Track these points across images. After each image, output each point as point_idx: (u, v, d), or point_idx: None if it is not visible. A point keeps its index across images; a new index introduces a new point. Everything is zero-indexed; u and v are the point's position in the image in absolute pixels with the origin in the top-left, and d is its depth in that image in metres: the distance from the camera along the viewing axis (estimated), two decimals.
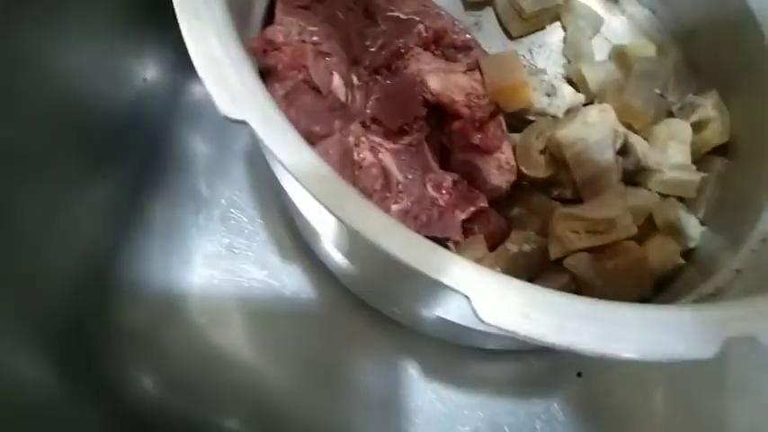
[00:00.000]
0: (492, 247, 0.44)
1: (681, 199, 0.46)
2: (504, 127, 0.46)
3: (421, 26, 0.46)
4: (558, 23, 0.54)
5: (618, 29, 0.54)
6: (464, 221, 0.44)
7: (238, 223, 0.49)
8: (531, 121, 0.48)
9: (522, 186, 0.46)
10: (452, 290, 0.23)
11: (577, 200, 0.45)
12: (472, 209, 0.44)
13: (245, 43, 0.37)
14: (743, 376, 0.46)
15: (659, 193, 0.46)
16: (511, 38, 0.54)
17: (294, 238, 0.49)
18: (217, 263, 0.48)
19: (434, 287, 0.23)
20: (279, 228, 0.49)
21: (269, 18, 0.41)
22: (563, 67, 0.53)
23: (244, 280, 0.48)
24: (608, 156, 0.44)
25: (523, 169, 0.45)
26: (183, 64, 0.50)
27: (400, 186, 0.42)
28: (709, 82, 0.49)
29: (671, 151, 0.46)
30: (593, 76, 0.50)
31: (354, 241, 0.24)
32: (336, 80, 0.39)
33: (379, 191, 0.41)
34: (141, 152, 0.49)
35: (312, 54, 0.38)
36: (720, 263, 0.41)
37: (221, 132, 0.51)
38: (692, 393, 0.47)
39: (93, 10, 0.43)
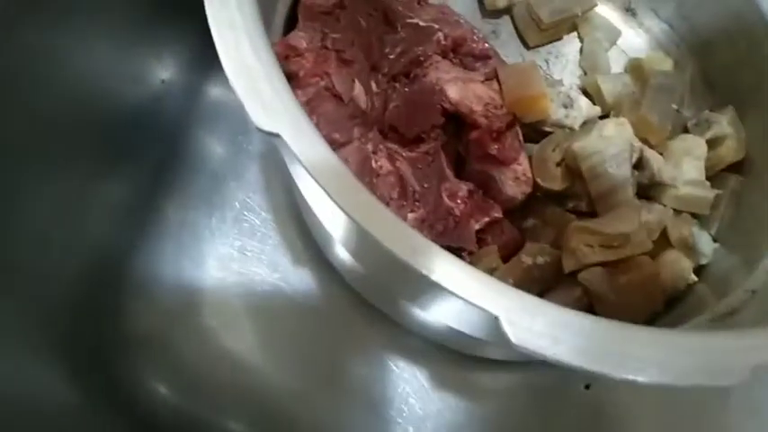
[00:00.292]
0: (505, 258, 0.44)
1: (694, 215, 0.46)
2: (521, 138, 0.46)
3: (440, 34, 0.46)
4: (574, 34, 0.54)
5: (635, 41, 0.54)
6: (478, 231, 0.44)
7: (251, 226, 0.49)
8: (547, 133, 0.48)
9: (537, 197, 0.46)
10: (482, 309, 0.23)
11: (592, 213, 0.45)
12: (487, 219, 0.44)
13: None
14: (748, 393, 0.46)
15: (673, 209, 0.46)
16: (528, 47, 0.54)
17: (306, 241, 0.49)
18: (229, 265, 0.48)
19: (463, 306, 0.23)
20: (291, 231, 0.49)
21: (290, 23, 0.41)
22: (579, 79, 0.53)
23: (255, 283, 0.48)
24: (624, 170, 0.44)
25: (539, 181, 0.45)
26: (200, 65, 0.50)
27: (416, 195, 0.42)
28: (725, 98, 0.49)
29: (685, 167, 0.46)
30: (609, 89, 0.50)
31: (384, 260, 0.24)
32: (358, 88, 0.39)
33: (396, 199, 0.41)
34: (157, 153, 0.49)
35: (335, 61, 0.38)
36: (734, 282, 0.41)
37: (236, 134, 0.51)
38: (698, 409, 0.47)
39: (112, 12, 0.42)
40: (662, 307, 0.43)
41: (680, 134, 0.48)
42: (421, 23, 0.46)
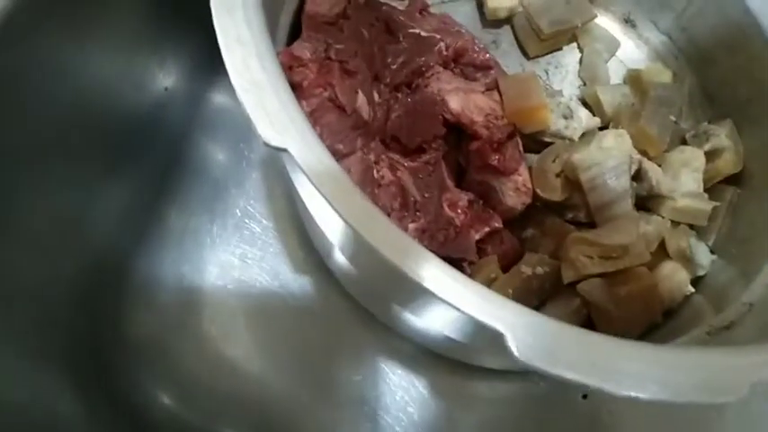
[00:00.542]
0: (505, 268, 0.45)
1: (692, 227, 0.47)
2: (522, 148, 0.46)
3: (441, 44, 0.47)
4: (574, 45, 0.55)
5: (634, 53, 0.55)
6: (478, 242, 0.44)
7: (252, 233, 0.49)
8: (546, 143, 0.49)
9: (536, 208, 0.47)
10: (488, 326, 0.23)
11: (591, 223, 0.46)
12: (487, 229, 0.44)
13: None
14: (746, 405, 0.46)
15: (671, 221, 0.46)
16: (528, 57, 0.54)
17: (307, 250, 0.49)
18: (229, 272, 0.48)
19: (465, 319, 0.23)
20: (292, 239, 0.49)
21: (294, 32, 0.41)
22: (578, 89, 0.53)
23: (256, 290, 0.48)
24: (623, 182, 0.45)
25: (539, 192, 0.45)
26: (202, 73, 0.50)
27: (417, 205, 0.42)
28: (723, 110, 0.50)
29: (684, 179, 0.47)
30: (608, 100, 0.50)
31: (387, 273, 0.24)
32: (361, 99, 0.39)
33: (398, 210, 0.41)
34: (159, 159, 0.49)
35: (338, 72, 0.38)
36: (731, 295, 0.41)
37: (238, 141, 0.51)
38: (695, 421, 0.47)
39: (116, 20, 0.43)
40: (660, 318, 0.43)
41: (678, 146, 0.48)
42: (422, 34, 0.47)
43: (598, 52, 0.53)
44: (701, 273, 0.45)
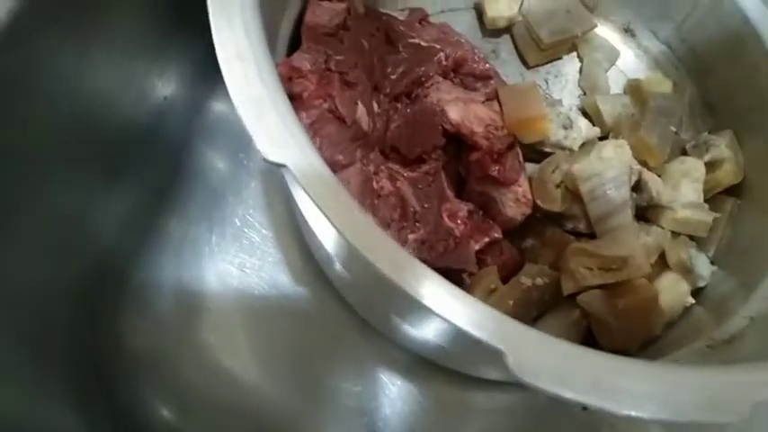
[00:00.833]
0: (504, 279, 0.44)
1: (692, 238, 0.47)
2: (522, 159, 0.46)
3: (441, 54, 0.47)
4: (574, 54, 0.55)
5: (634, 62, 0.55)
6: (478, 252, 0.44)
7: (251, 243, 0.49)
8: (546, 153, 0.49)
9: (536, 218, 0.47)
10: (487, 344, 0.23)
11: (591, 234, 0.46)
12: (486, 239, 0.44)
13: None
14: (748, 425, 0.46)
15: (671, 232, 0.46)
16: (528, 66, 0.54)
17: (306, 259, 0.49)
18: (228, 282, 0.48)
19: (463, 335, 0.23)
20: (291, 249, 0.49)
21: (294, 42, 0.41)
22: (578, 99, 0.53)
23: (255, 299, 0.48)
24: (622, 193, 0.45)
25: (539, 202, 0.45)
26: (202, 81, 0.50)
27: (417, 216, 0.42)
28: (723, 120, 0.50)
29: (684, 189, 0.47)
30: (608, 110, 0.50)
31: (388, 290, 0.24)
32: (360, 110, 0.39)
33: (397, 220, 0.41)
34: (158, 168, 0.49)
35: (338, 84, 0.38)
36: (732, 306, 0.41)
37: (237, 150, 0.51)
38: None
39: (116, 29, 0.43)
40: (660, 330, 0.43)
41: (678, 156, 0.48)
42: (422, 44, 0.47)
43: (598, 62, 0.53)
44: (701, 284, 0.45)
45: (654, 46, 0.54)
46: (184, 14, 0.46)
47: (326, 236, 0.34)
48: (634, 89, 0.52)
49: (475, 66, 0.48)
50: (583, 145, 0.49)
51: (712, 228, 0.46)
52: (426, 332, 0.37)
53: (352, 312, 0.48)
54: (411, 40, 0.47)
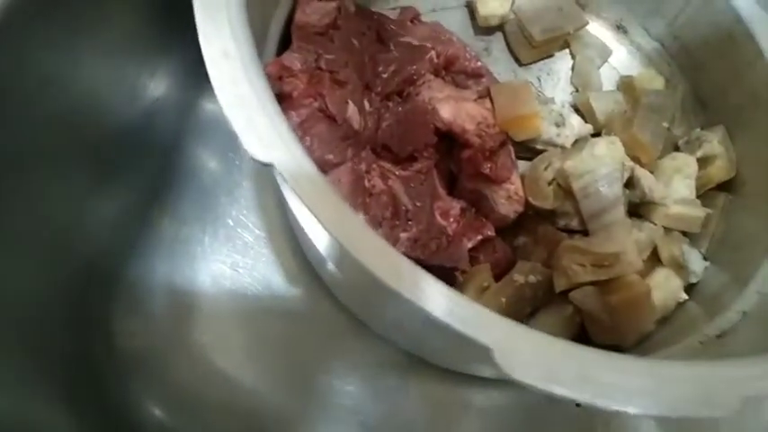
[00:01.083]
0: (497, 276, 0.44)
1: (685, 233, 0.47)
2: (514, 156, 0.46)
3: (432, 52, 0.47)
4: (567, 51, 0.55)
5: (626, 59, 0.55)
6: (470, 250, 0.44)
7: (244, 243, 0.49)
8: (538, 150, 0.49)
9: (529, 215, 0.47)
10: (476, 342, 0.23)
11: (583, 231, 0.46)
12: (479, 237, 0.44)
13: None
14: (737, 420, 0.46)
15: (663, 227, 0.46)
16: (520, 64, 0.54)
17: (299, 259, 0.48)
18: (221, 282, 0.47)
19: (455, 333, 0.23)
20: (284, 249, 0.49)
21: (284, 41, 0.41)
22: (571, 96, 0.53)
23: (248, 300, 0.47)
24: (615, 189, 0.45)
25: (531, 200, 0.45)
26: (194, 81, 0.50)
27: (409, 214, 0.42)
28: (716, 116, 0.50)
29: (676, 185, 0.47)
30: (600, 107, 0.50)
31: (380, 290, 0.24)
32: (351, 109, 0.39)
33: (389, 219, 0.41)
34: (151, 168, 0.49)
35: (328, 82, 0.38)
36: (725, 301, 0.41)
37: (229, 151, 0.51)
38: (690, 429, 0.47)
39: (109, 32, 0.43)
40: (653, 326, 0.43)
41: (671, 152, 0.48)
42: (414, 42, 0.47)
43: (590, 59, 0.53)
44: (693, 280, 0.45)
45: (646, 43, 0.54)
46: (175, 14, 0.45)
47: (317, 235, 0.34)
48: (626, 86, 0.52)
49: (466, 64, 0.48)
50: (575, 142, 0.49)
51: (705, 223, 0.47)
52: (417, 330, 0.37)
53: (345, 311, 0.47)
54: (402, 39, 0.47)
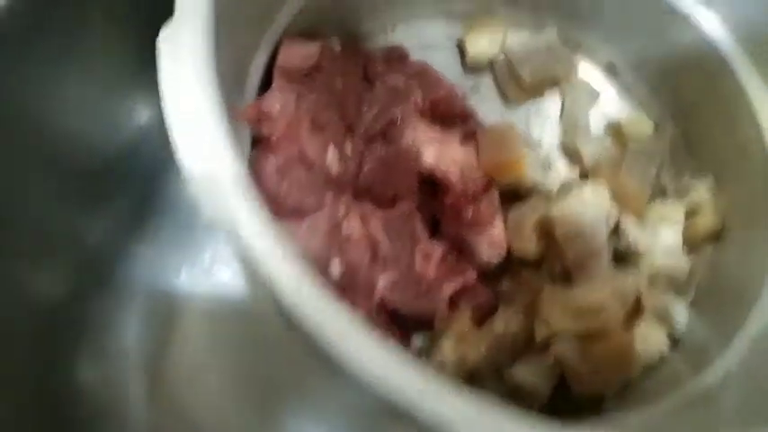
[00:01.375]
0: (478, 321, 0.44)
1: (670, 283, 0.46)
2: (497, 201, 0.45)
3: (418, 93, 0.46)
4: (556, 91, 0.54)
5: (616, 101, 0.54)
6: (451, 295, 0.43)
7: (221, 276, 0.48)
8: (523, 194, 0.48)
9: (512, 260, 0.46)
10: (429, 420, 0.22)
11: (567, 277, 0.45)
12: (461, 282, 0.44)
13: (238, 110, 0.37)
14: None
15: (648, 277, 0.45)
16: (508, 104, 0.53)
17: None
18: (197, 316, 0.47)
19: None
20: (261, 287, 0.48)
21: (265, 81, 0.41)
22: (558, 138, 0.53)
23: (224, 336, 0.47)
24: (600, 238, 0.44)
25: (514, 247, 0.44)
26: None
27: (389, 258, 0.41)
28: (705, 164, 0.49)
29: (662, 234, 0.46)
30: (588, 151, 0.50)
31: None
32: (331, 154, 0.38)
33: (367, 264, 0.40)
34: (132, 199, 0.48)
35: (308, 126, 0.37)
36: (710, 355, 0.40)
37: None
38: None
39: (93, 60, 0.42)
40: (635, 377, 0.42)
41: (658, 200, 0.48)
42: (400, 82, 0.46)
43: (579, 101, 0.53)
44: (677, 331, 0.45)
45: (636, 85, 0.54)
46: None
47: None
48: (615, 130, 0.52)
49: (453, 105, 0.48)
50: (561, 187, 0.48)
51: (690, 274, 0.46)
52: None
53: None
54: (388, 79, 0.46)
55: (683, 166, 0.51)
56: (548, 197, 0.47)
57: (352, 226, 0.40)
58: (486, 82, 0.54)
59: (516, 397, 0.42)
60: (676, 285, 0.46)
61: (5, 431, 0.37)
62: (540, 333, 0.42)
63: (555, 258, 0.45)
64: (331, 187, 0.39)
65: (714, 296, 0.45)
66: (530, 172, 0.47)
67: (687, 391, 0.39)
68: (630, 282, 0.44)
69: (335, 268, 0.37)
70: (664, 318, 0.45)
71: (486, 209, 0.44)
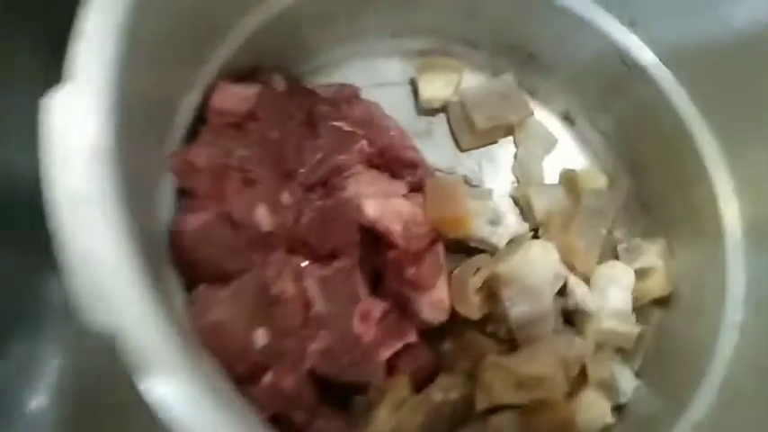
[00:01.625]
0: (418, 384, 0.42)
1: (616, 348, 0.44)
2: (442, 259, 0.43)
3: (364, 142, 0.44)
4: (510, 138, 0.52)
5: (572, 151, 0.53)
6: (391, 357, 0.41)
7: None
8: (471, 247, 0.46)
9: (456, 319, 0.44)
10: None
11: (512, 339, 0.43)
12: (400, 344, 0.41)
13: (161, 160, 0.34)
14: None
15: (595, 342, 0.44)
16: (461, 149, 0.51)
17: None
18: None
19: None
20: None
21: (195, 129, 0.38)
22: (511, 186, 0.51)
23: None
24: (546, 301, 0.43)
25: (457, 308, 0.42)
26: None
27: (322, 322, 0.39)
28: (658, 223, 0.48)
29: (611, 296, 0.45)
30: (540, 203, 0.48)
31: None
32: (261, 211, 0.36)
33: (298, 329, 0.37)
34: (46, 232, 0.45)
35: (235, 183, 0.35)
36: (658, 429, 0.39)
37: None
38: None
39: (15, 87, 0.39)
40: None
41: (609, 260, 0.46)
42: (345, 127, 0.44)
43: (533, 150, 0.51)
44: (623, 400, 0.43)
45: (593, 137, 0.53)
46: None
47: None
48: (569, 181, 0.50)
49: (401, 153, 0.46)
50: (509, 243, 0.46)
51: (638, 339, 0.44)
52: None
53: None
54: (334, 123, 0.44)
55: (636, 224, 0.49)
56: (495, 253, 0.45)
57: (284, 286, 0.37)
58: (440, 125, 0.52)
59: None
60: (623, 351, 0.45)
61: None
62: (481, 403, 0.40)
63: (501, 317, 0.43)
64: (259, 247, 0.36)
65: (662, 366, 0.44)
66: (476, 228, 0.44)
67: None
68: (576, 349, 0.43)
69: (260, 338, 0.34)
70: (609, 386, 0.43)
71: (428, 269, 0.41)
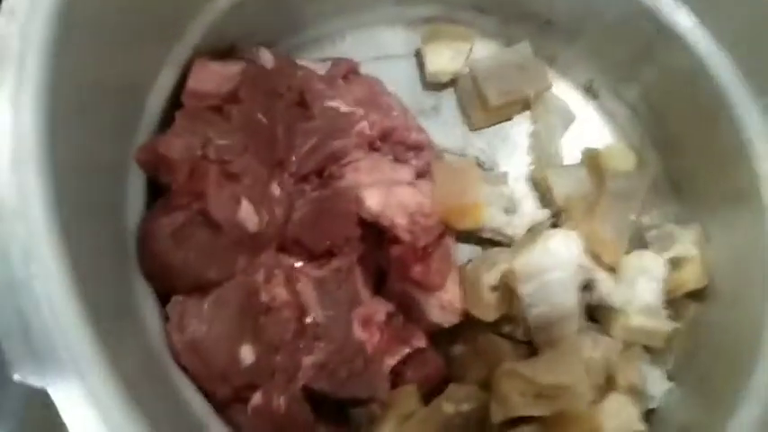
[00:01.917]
0: (427, 394, 0.38)
1: (646, 348, 0.40)
2: (452, 254, 0.39)
3: (364, 123, 0.39)
4: (526, 113, 0.47)
5: (595, 127, 0.48)
6: (396, 364, 0.37)
7: None
8: (484, 239, 0.42)
9: (468, 320, 0.39)
10: None
11: (530, 341, 0.39)
12: (407, 350, 0.38)
13: (129, 150, 0.29)
14: None
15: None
16: (472, 127, 0.47)
17: None
18: None
19: None
20: None
21: (170, 117, 0.33)
22: (527, 167, 0.46)
23: None
24: (569, 298, 0.39)
25: (470, 309, 0.38)
26: None
27: (319, 330, 0.35)
28: (691, 205, 0.44)
29: (640, 289, 0.41)
30: (560, 186, 0.44)
31: None
32: (245, 209, 0.31)
33: (290, 341, 0.33)
34: None
35: (215, 177, 0.30)
36: None
37: None
38: None
39: None
40: None
41: (637, 249, 0.41)
42: (342, 109, 0.39)
43: (552, 125, 0.46)
44: (653, 405, 0.39)
45: (618, 110, 0.48)
46: None
47: None
48: (592, 161, 0.45)
49: (406, 134, 0.41)
50: (527, 233, 0.41)
51: (670, 337, 0.40)
52: None
53: None
54: (330, 103, 0.39)
55: (668, 208, 0.45)
56: (511, 245, 0.41)
57: (275, 292, 0.33)
58: (449, 101, 0.48)
59: None
60: (654, 351, 0.40)
61: None
62: (497, 415, 0.36)
63: (518, 317, 0.39)
64: (244, 249, 0.31)
65: (698, 365, 0.40)
66: (490, 217, 0.40)
67: None
68: (602, 350, 0.39)
69: (246, 356, 0.30)
70: (638, 390, 0.39)
71: (437, 266, 0.37)
